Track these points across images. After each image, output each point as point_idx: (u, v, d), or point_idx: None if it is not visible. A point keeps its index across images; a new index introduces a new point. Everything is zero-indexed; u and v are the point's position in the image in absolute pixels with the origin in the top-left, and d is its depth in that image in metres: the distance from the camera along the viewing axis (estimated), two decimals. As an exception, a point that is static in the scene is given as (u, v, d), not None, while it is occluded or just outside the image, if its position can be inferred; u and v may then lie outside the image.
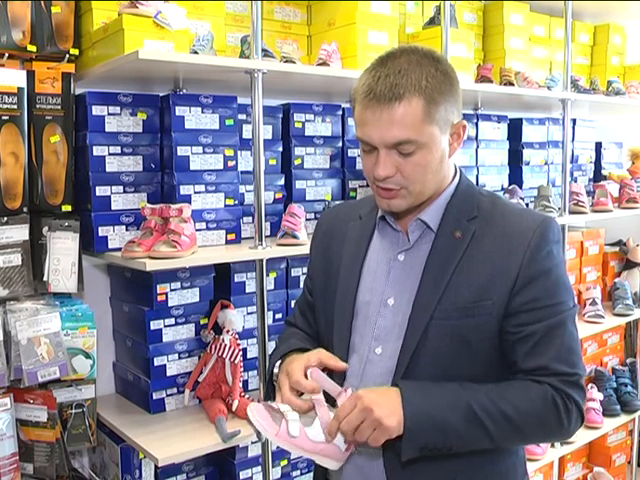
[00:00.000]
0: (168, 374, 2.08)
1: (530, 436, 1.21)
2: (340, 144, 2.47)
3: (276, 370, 1.31)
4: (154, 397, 2.06)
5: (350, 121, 2.48)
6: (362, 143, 1.19)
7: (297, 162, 2.37)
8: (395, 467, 1.18)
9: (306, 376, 1.19)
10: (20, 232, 1.86)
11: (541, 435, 1.23)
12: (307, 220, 2.28)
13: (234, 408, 2.01)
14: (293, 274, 2.31)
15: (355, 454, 1.22)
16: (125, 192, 2.01)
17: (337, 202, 2.36)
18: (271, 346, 2.11)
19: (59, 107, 1.93)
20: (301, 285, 2.25)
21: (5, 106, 1.82)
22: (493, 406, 1.14)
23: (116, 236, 1.99)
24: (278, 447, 1.27)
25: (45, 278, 1.92)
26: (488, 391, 1.16)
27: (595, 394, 3.17)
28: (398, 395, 1.13)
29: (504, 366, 1.21)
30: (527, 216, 1.24)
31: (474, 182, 2.83)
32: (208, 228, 2.08)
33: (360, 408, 1.11)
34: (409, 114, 1.12)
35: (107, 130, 1.97)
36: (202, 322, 2.13)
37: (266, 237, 2.05)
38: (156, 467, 2.02)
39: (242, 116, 2.19)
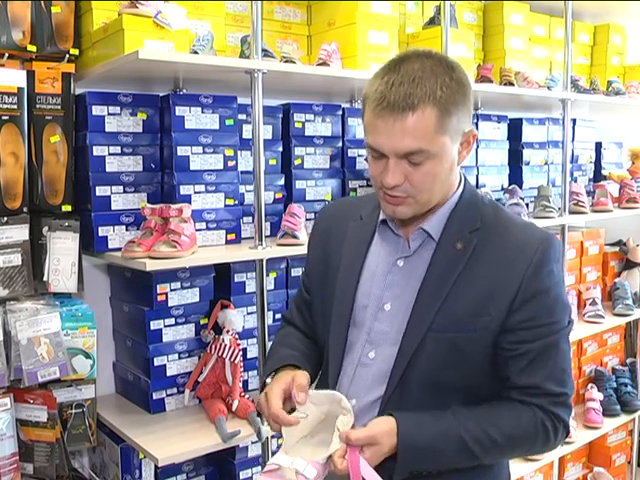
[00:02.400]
0: (168, 374, 2.08)
1: (518, 456, 1.33)
2: (340, 144, 2.47)
3: (269, 381, 1.29)
4: (154, 397, 2.06)
5: (350, 121, 2.48)
6: (371, 150, 1.17)
7: (297, 162, 2.37)
8: None
9: (286, 399, 1.19)
10: (20, 232, 1.86)
11: (529, 455, 1.36)
12: (307, 220, 2.27)
13: (234, 408, 2.01)
14: (293, 274, 2.31)
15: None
16: (125, 192, 2.01)
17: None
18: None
19: (59, 107, 1.93)
20: (301, 285, 2.25)
21: (5, 106, 1.82)
22: (484, 435, 1.15)
23: (116, 236, 1.99)
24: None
25: (45, 278, 1.92)
26: (480, 418, 1.17)
27: (595, 394, 3.18)
28: (395, 434, 1.13)
29: (496, 376, 1.21)
30: (529, 232, 1.23)
31: (474, 182, 2.83)
32: (208, 228, 2.08)
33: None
34: (422, 124, 1.10)
35: (107, 130, 1.97)
36: (202, 322, 2.13)
37: (266, 237, 2.05)
38: (156, 467, 2.02)
39: (242, 116, 2.18)
